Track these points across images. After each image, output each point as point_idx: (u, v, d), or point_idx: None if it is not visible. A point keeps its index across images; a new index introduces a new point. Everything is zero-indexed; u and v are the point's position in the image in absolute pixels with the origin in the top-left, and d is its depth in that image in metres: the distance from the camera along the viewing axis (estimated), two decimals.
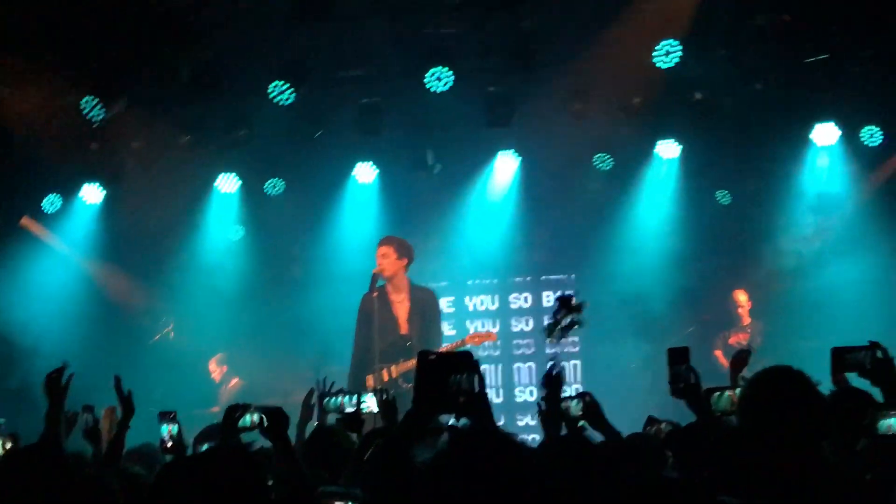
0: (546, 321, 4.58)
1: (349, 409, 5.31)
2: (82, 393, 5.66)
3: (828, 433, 3.32)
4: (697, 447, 4.15)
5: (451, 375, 2.90)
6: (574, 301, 4.46)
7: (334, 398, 5.43)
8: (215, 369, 11.35)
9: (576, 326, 4.46)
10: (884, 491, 3.35)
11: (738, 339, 10.27)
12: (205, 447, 4.91)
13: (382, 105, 10.08)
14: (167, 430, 5.04)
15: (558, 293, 4.83)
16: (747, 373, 4.90)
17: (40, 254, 11.34)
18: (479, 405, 2.94)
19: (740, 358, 5.18)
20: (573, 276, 11.85)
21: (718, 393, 4.29)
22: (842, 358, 4.13)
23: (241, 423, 4.60)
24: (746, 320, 10.71)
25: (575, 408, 4.74)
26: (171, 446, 5.03)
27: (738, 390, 4.16)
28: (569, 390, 4.74)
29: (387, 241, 8.98)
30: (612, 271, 11.22)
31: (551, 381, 4.40)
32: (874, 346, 4.01)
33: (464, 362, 2.93)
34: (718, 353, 10.47)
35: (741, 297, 10.73)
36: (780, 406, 3.29)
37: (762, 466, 3.10)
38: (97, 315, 11.62)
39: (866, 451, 3.78)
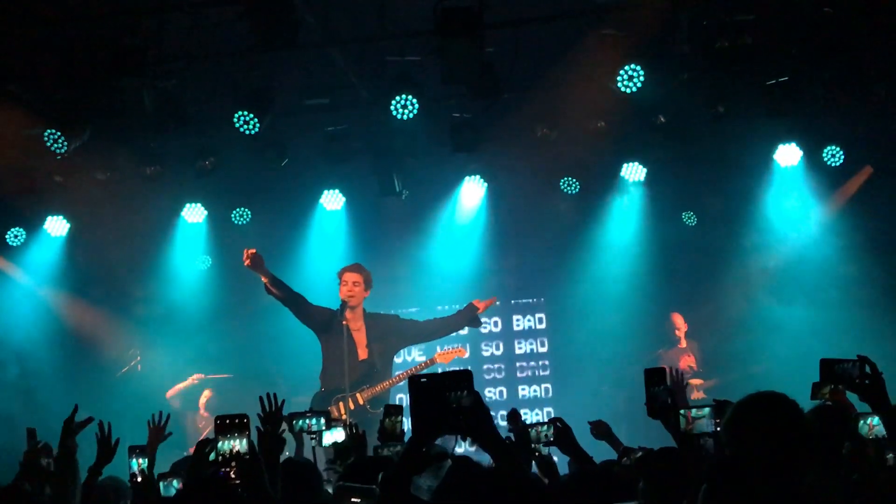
0: None
1: (316, 430, 5.30)
2: (49, 425, 5.61)
3: (813, 462, 3.30)
4: (671, 471, 4.15)
5: (448, 393, 2.84)
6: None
7: (302, 420, 5.42)
8: (202, 410, 11.19)
9: None
10: None
11: (685, 362, 10.41)
12: (174, 482, 4.87)
13: (348, 132, 10.09)
14: (136, 464, 5.01)
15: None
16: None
17: (4, 286, 11.22)
18: (480, 420, 2.88)
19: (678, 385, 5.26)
20: (542, 299, 11.89)
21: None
22: (830, 369, 4.12)
23: (210, 457, 4.57)
24: (683, 343, 10.84)
25: (546, 432, 4.74)
26: (140, 481, 4.99)
27: (693, 410, 4.17)
28: (540, 415, 4.75)
29: (358, 270, 8.97)
30: (580, 294, 11.28)
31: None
32: (862, 359, 3.99)
33: (458, 378, 2.87)
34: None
35: (678, 319, 10.87)
36: (768, 431, 3.25)
37: (743, 493, 3.07)
38: (62, 348, 11.50)
39: (850, 455, 3.78)
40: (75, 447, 5.14)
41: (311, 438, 5.35)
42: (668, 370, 4.35)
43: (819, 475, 3.28)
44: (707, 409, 4.15)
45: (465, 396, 2.84)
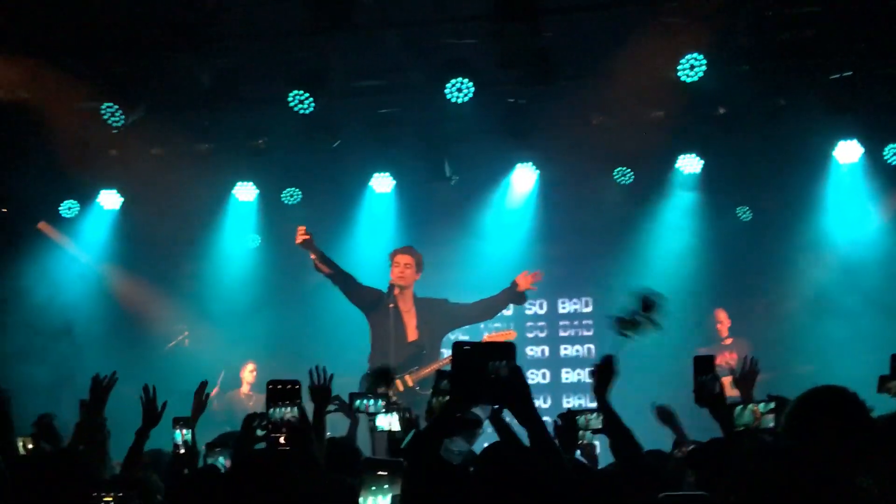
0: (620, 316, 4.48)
1: (373, 412, 5.30)
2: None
3: (873, 464, 3.21)
4: (721, 462, 4.08)
5: (488, 363, 2.83)
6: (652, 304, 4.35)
7: (362, 399, 5.44)
8: (246, 378, 11.26)
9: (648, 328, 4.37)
10: None
11: (724, 359, 10.19)
12: (219, 455, 4.89)
13: (400, 116, 10.05)
14: (180, 436, 5.04)
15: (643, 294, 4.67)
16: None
17: (57, 258, 11.38)
18: (517, 391, 2.86)
19: (751, 375, 5.17)
20: (589, 299, 11.83)
21: (740, 407, 4.22)
22: None
23: (258, 432, 4.60)
24: (728, 340, 10.64)
25: (595, 421, 4.69)
26: (184, 453, 5.02)
27: (762, 405, 4.09)
28: (583, 402, 4.70)
29: (410, 252, 8.96)
30: (629, 286, 11.12)
31: (602, 374, 4.27)
32: None
33: (501, 349, 2.86)
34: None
35: (721, 315, 10.69)
36: (831, 427, 3.20)
37: (795, 488, 2.97)
38: (112, 321, 11.65)
39: None
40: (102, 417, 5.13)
41: (369, 419, 5.33)
42: (717, 359, 4.27)
43: (879, 481, 3.17)
44: (773, 404, 4.09)
45: (504, 367, 2.82)
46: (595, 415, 4.67)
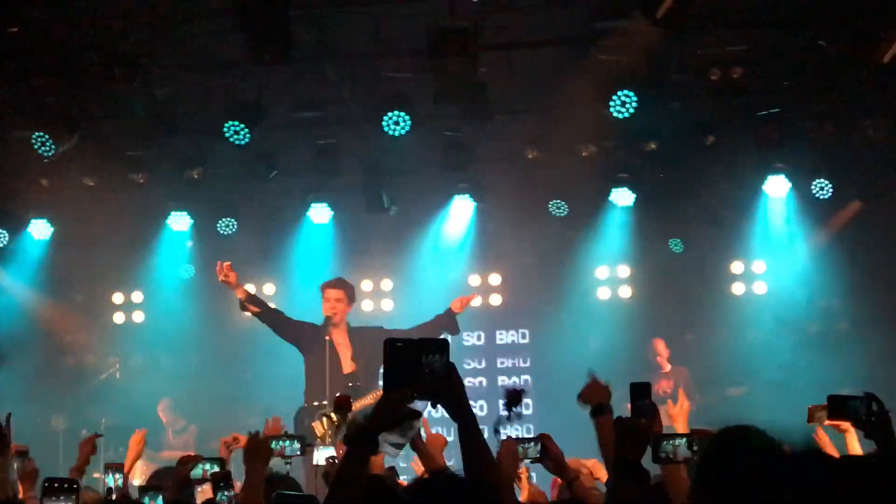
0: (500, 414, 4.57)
1: (289, 454, 5.20)
2: (23, 430, 5.54)
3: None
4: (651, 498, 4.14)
5: (422, 357, 2.79)
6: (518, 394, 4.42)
7: (277, 441, 5.31)
8: (163, 415, 11.13)
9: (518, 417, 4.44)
10: None
11: (661, 387, 10.32)
12: (149, 496, 4.81)
13: (338, 146, 10.06)
14: (113, 480, 4.97)
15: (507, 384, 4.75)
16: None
17: None
18: (452, 385, 2.84)
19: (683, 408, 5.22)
20: (526, 331, 11.92)
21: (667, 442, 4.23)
22: (837, 405, 4.09)
23: (192, 474, 4.55)
24: (666, 368, 10.78)
25: (533, 450, 4.71)
26: (117, 498, 4.95)
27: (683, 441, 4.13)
28: (520, 432, 4.72)
29: (339, 285, 8.94)
30: (565, 318, 11.28)
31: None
32: (870, 396, 3.95)
33: (435, 345, 2.83)
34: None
35: (660, 345, 10.83)
36: (740, 478, 2.81)
37: None
38: (41, 351, 11.42)
39: None
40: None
41: (287, 463, 5.19)
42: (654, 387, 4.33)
43: None
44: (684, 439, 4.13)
45: (439, 361, 2.79)
46: (533, 444, 4.70)
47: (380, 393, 8.52)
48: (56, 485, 4.10)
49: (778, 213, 10.78)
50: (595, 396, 4.11)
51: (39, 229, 10.90)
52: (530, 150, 9.94)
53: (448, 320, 9.06)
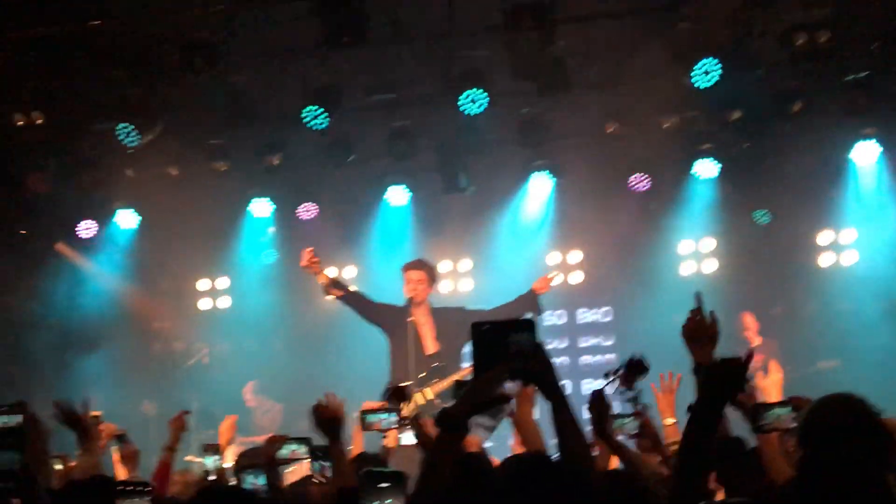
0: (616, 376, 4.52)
1: (384, 427, 5.23)
2: (117, 416, 5.66)
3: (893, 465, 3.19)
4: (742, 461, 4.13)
5: (509, 337, 2.75)
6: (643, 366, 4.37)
7: (374, 414, 5.34)
8: (250, 398, 11.30)
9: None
10: None
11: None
12: (249, 474, 4.84)
13: (414, 128, 10.05)
14: (211, 461, 5.04)
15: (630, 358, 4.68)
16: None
17: (75, 278, 11.41)
18: (542, 364, 2.80)
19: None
20: (609, 308, 11.78)
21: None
22: None
23: (279, 454, 4.59)
24: (755, 342, 10.54)
25: (630, 426, 4.66)
26: (215, 479, 5.03)
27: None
28: (620, 408, 4.68)
29: (420, 266, 8.92)
30: (648, 294, 11.10)
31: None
32: None
33: (522, 325, 2.79)
34: None
35: (748, 319, 10.58)
36: (841, 436, 3.18)
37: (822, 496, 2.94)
38: (131, 339, 11.67)
39: None
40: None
41: (383, 436, 5.29)
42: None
43: None
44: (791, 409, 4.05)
45: (526, 340, 2.75)
46: (630, 419, 4.65)
47: (464, 372, 8.56)
48: (129, 488, 4.05)
49: (868, 180, 10.43)
50: (699, 332, 3.51)
51: (126, 219, 11.12)
52: (609, 124, 9.78)
53: (531, 301, 8.97)
